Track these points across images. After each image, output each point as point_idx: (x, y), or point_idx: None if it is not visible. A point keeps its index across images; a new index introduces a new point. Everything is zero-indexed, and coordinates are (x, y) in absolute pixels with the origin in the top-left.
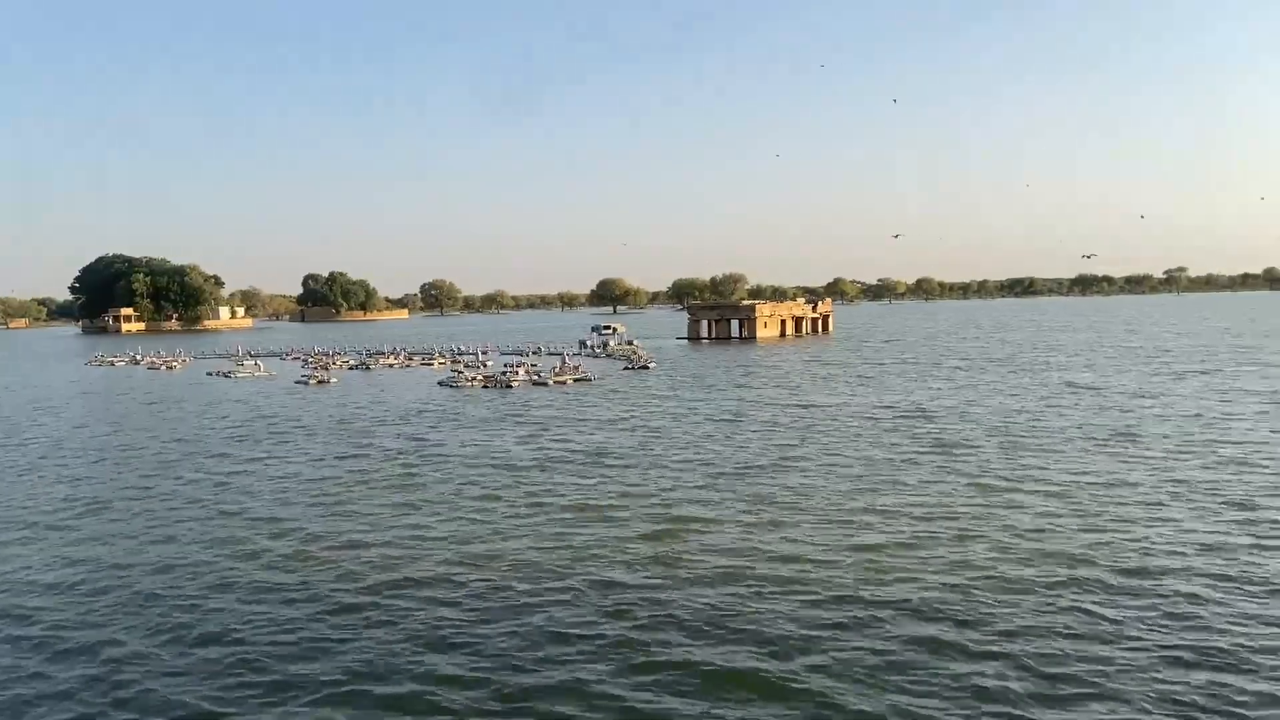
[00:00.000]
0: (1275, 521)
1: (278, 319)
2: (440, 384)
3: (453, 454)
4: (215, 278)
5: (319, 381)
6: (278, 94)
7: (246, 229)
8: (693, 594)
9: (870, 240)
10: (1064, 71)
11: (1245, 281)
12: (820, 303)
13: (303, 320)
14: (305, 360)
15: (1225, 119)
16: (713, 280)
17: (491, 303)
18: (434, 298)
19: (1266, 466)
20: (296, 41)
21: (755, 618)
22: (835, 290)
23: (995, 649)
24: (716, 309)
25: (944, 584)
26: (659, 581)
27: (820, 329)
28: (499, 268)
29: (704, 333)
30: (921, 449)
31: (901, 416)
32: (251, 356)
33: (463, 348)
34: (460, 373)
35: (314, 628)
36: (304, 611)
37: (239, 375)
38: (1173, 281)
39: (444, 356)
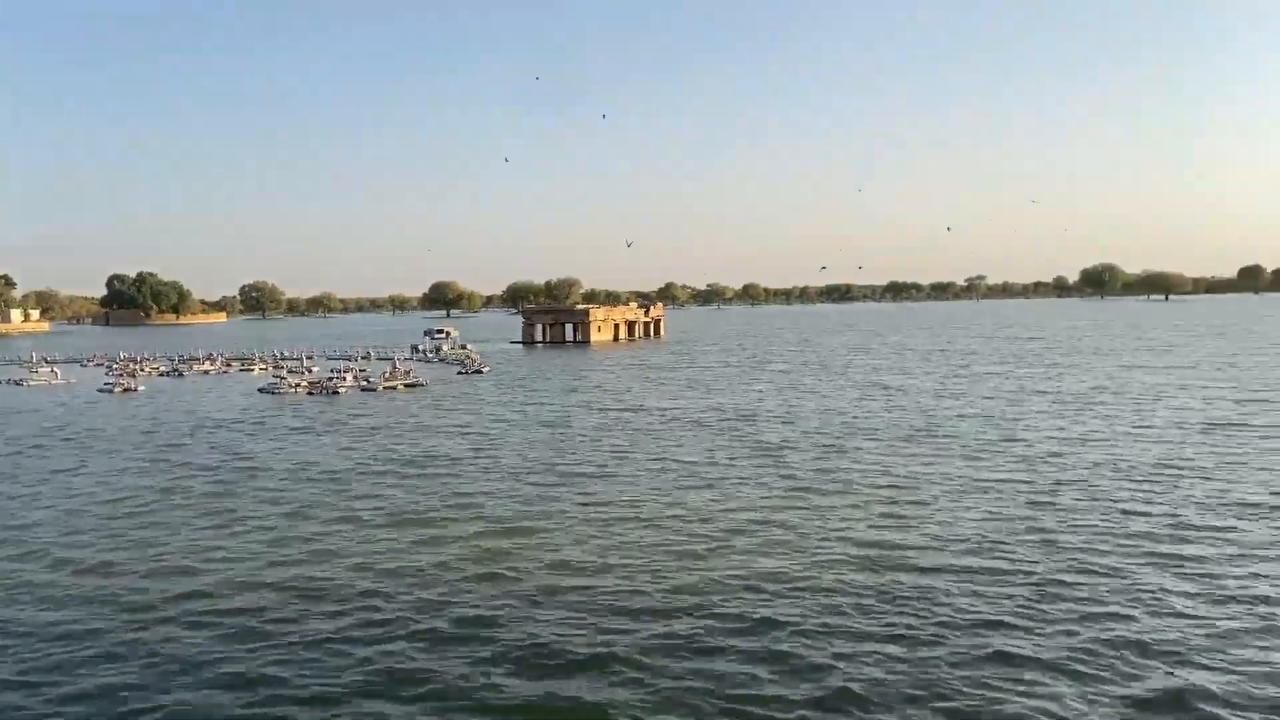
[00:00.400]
0: (1059, 516)
1: (78, 322)
2: (261, 391)
3: (270, 465)
4: (5, 277)
5: (125, 389)
6: (76, 86)
7: (44, 226)
8: (518, 604)
9: (701, 246)
10: (818, 81)
11: (1036, 289)
12: (652, 307)
13: (106, 324)
14: (109, 366)
15: (1021, 137)
16: (548, 284)
17: (318, 305)
18: (255, 300)
19: (1052, 464)
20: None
21: (575, 627)
22: (667, 295)
23: (796, 647)
24: (551, 313)
25: (758, 587)
26: (483, 591)
27: (653, 333)
28: (326, 269)
29: (539, 336)
30: (745, 451)
31: (727, 419)
32: (47, 362)
33: (286, 352)
34: (283, 379)
35: (55, 660)
36: (50, 643)
37: (33, 383)
38: (973, 288)
39: (265, 361)
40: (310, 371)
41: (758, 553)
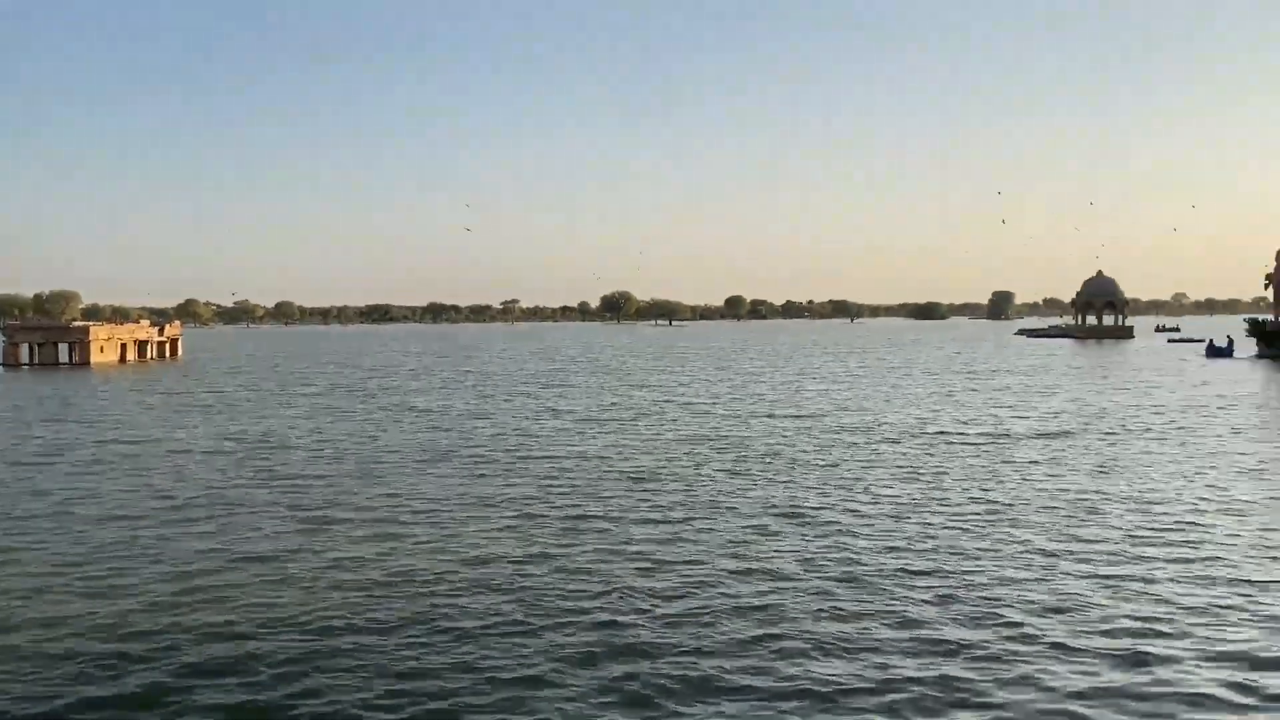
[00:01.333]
0: (567, 529)
1: None
2: None
3: None
4: None
5: None
6: None
7: None
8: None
9: (226, 257)
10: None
11: (564, 313)
12: (168, 325)
13: None
14: None
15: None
16: (38, 297)
17: None
18: None
19: (567, 478)
20: None
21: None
22: (188, 312)
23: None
24: (41, 330)
25: (257, 631)
26: None
27: (168, 353)
28: None
29: (24, 358)
30: (263, 481)
31: (246, 447)
32: None
33: None
34: None
35: None
36: None
37: None
38: (508, 311)
39: None
40: None
41: (259, 590)
